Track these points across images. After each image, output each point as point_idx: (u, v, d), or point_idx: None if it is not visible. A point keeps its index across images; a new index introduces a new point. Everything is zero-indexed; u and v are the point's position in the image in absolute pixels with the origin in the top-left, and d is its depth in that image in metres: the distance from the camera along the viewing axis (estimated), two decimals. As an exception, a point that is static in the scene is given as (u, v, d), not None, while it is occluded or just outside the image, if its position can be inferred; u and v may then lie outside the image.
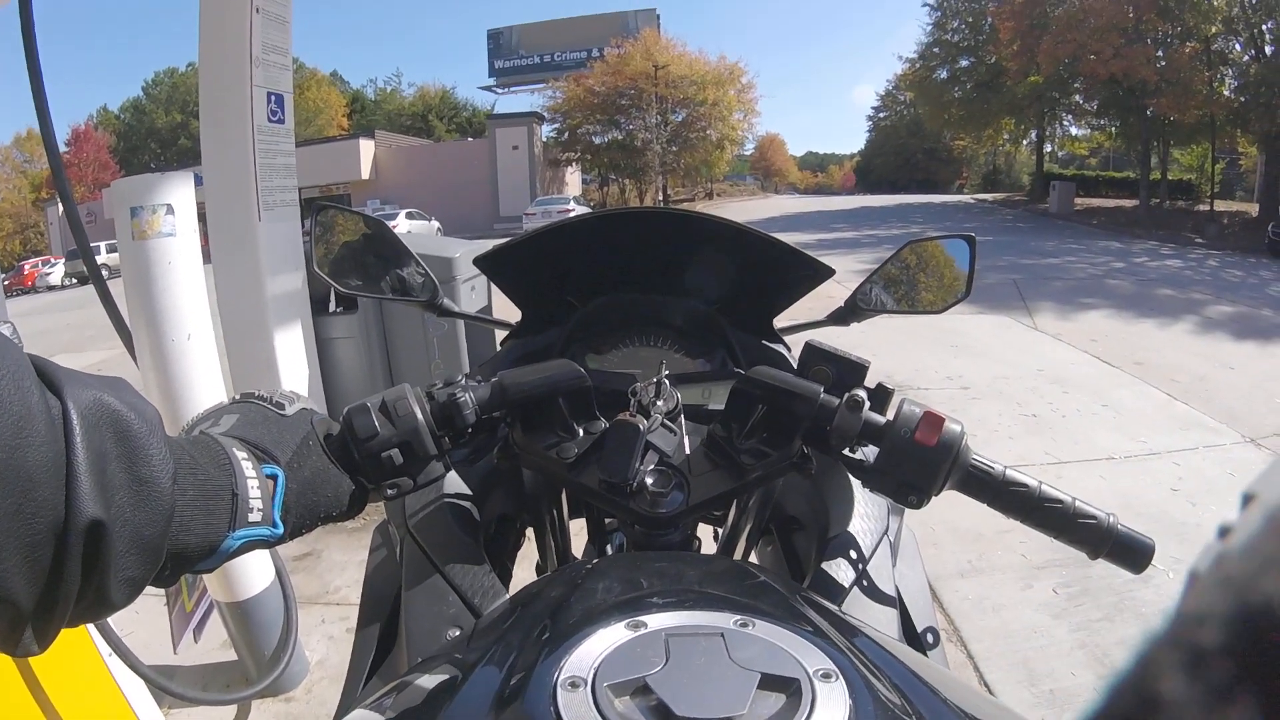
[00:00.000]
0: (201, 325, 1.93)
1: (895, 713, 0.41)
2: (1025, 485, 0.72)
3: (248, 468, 0.55)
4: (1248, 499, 0.20)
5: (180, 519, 0.48)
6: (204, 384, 1.94)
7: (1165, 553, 0.48)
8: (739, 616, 0.47)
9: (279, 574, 2.22)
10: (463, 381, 0.74)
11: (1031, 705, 2.16)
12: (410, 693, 0.49)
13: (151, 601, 2.71)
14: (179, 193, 1.83)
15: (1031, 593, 2.74)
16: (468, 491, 0.90)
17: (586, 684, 0.40)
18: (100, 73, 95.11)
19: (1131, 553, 0.70)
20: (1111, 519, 0.71)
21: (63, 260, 29.10)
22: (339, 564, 3.11)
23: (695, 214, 1.01)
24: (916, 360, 6.25)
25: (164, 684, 1.81)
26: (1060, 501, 0.71)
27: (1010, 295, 9.53)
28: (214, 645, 2.49)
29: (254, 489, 0.54)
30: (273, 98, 2.44)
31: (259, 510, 0.54)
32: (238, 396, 0.66)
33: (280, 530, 0.57)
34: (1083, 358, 6.37)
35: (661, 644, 0.44)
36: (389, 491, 0.67)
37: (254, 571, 2.16)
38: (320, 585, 2.97)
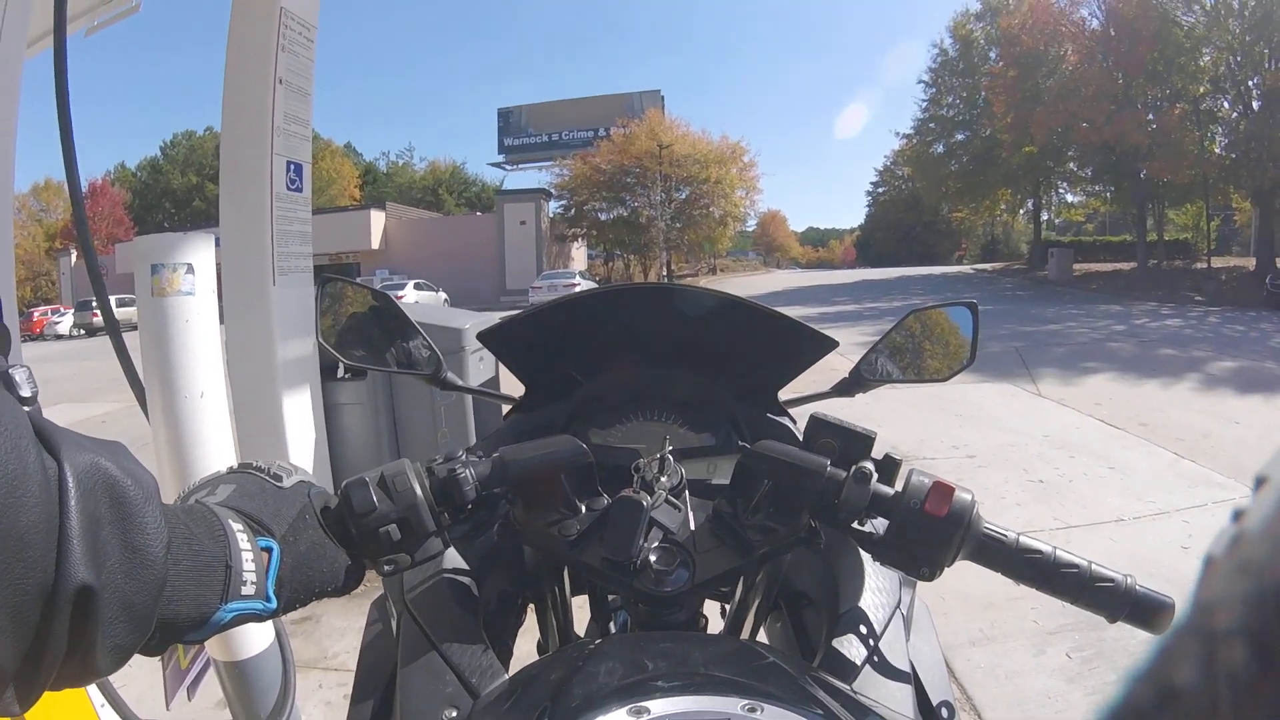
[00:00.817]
0: (215, 384, 1.96)
1: None
2: (1040, 552, 0.71)
3: (242, 540, 0.54)
4: (1260, 482, 0.21)
5: (172, 588, 0.47)
6: (215, 442, 1.95)
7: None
8: (747, 701, 0.46)
9: (279, 636, 2.19)
10: (463, 457, 0.73)
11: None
12: None
13: (145, 659, 2.68)
14: (200, 253, 1.88)
15: (1045, 658, 2.68)
16: (466, 567, 0.89)
17: None
18: (120, 130, 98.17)
19: (1152, 613, 0.68)
20: (1129, 580, 0.70)
21: (72, 310, 29.62)
22: (338, 629, 3.07)
23: (697, 289, 1.02)
24: (922, 430, 6.24)
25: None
26: (1076, 566, 0.70)
27: (1013, 363, 9.56)
28: (208, 704, 2.44)
29: (248, 561, 0.54)
30: (292, 166, 2.52)
31: (252, 583, 0.54)
32: (235, 466, 0.66)
33: (273, 605, 0.57)
34: (1087, 421, 6.36)
35: None
36: (386, 568, 0.67)
37: (253, 632, 2.13)
38: (318, 650, 2.93)
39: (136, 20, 2.64)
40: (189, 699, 2.15)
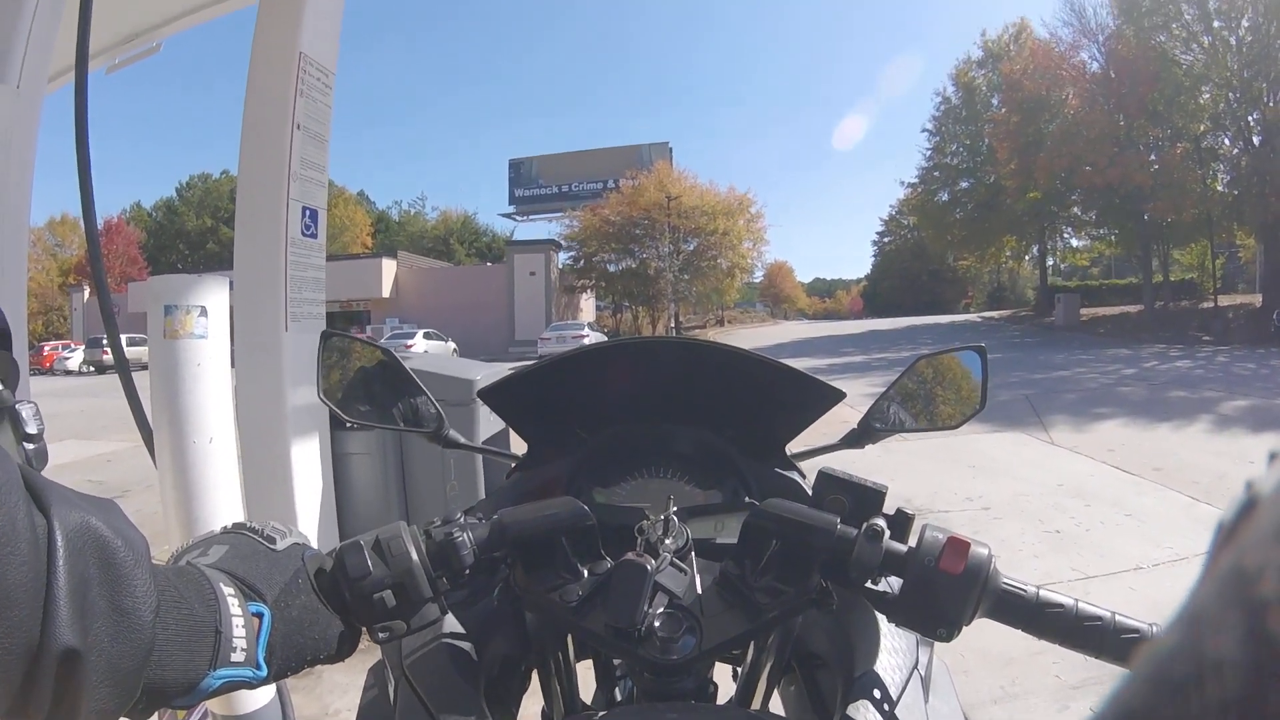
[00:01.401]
0: (224, 430, 1.95)
1: None
2: (1061, 605, 0.68)
3: (233, 604, 0.54)
4: (1274, 456, 0.20)
5: (160, 653, 0.46)
6: (221, 489, 1.94)
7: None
8: None
9: (279, 691, 2.15)
10: (461, 520, 0.72)
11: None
12: None
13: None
14: (214, 296, 1.90)
15: (1068, 715, 2.60)
16: (465, 632, 0.87)
17: None
18: (136, 169, 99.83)
19: None
20: (1154, 629, 0.67)
21: (82, 347, 29.88)
22: (340, 685, 3.00)
23: (702, 342, 1.00)
24: (935, 482, 6.16)
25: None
26: (1099, 618, 0.67)
27: (1024, 411, 9.48)
28: (208, 763, 2.37)
29: (238, 627, 0.53)
30: (307, 212, 2.55)
31: (242, 650, 0.53)
32: (230, 526, 0.65)
33: (263, 673, 0.56)
34: (1101, 468, 6.27)
35: None
36: (381, 635, 0.65)
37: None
38: (320, 707, 2.85)
39: (156, 60, 2.69)
40: (187, 753, 2.10)
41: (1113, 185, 24.89)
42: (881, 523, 0.70)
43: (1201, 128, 24.21)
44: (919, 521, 0.72)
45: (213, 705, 2.11)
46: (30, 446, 1.35)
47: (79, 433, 10.19)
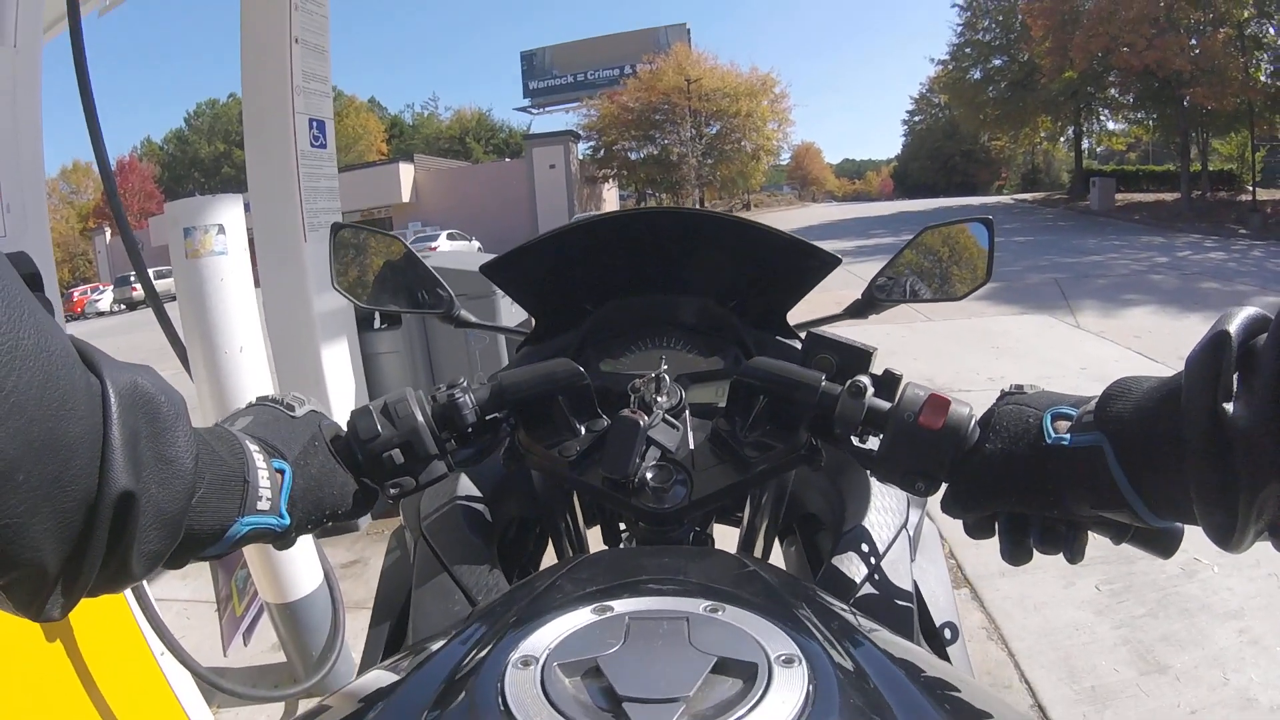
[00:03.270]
0: (252, 338, 2.03)
1: (862, 699, 0.39)
2: None
3: (258, 458, 0.58)
4: None
5: (198, 499, 0.50)
6: (256, 393, 2.03)
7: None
8: (709, 602, 0.46)
9: (327, 576, 2.30)
10: (464, 383, 0.75)
11: (1073, 702, 2.14)
12: (385, 674, 0.49)
13: (202, 608, 2.81)
14: (229, 213, 1.94)
15: (1074, 590, 2.70)
16: (480, 495, 0.91)
17: (538, 663, 0.40)
18: (142, 104, 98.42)
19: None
20: None
21: (110, 287, 30.15)
22: (386, 572, 3.20)
23: (699, 211, 1.00)
24: (958, 363, 6.20)
25: (215, 680, 1.89)
26: None
27: (1053, 294, 9.38)
28: (263, 649, 2.58)
29: (264, 479, 0.57)
30: (314, 124, 2.55)
31: (268, 499, 0.57)
32: (254, 400, 0.69)
33: (287, 521, 0.60)
34: (1126, 354, 6.26)
35: (622, 627, 0.43)
36: (391, 491, 0.69)
37: (303, 574, 2.25)
38: (366, 591, 3.05)
39: None
40: (244, 644, 2.28)
41: (1150, 69, 23.51)
42: (865, 380, 0.70)
43: (1245, 14, 22.52)
44: (905, 382, 0.72)
45: (266, 595, 2.28)
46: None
47: None
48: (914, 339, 6.82)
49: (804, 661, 0.39)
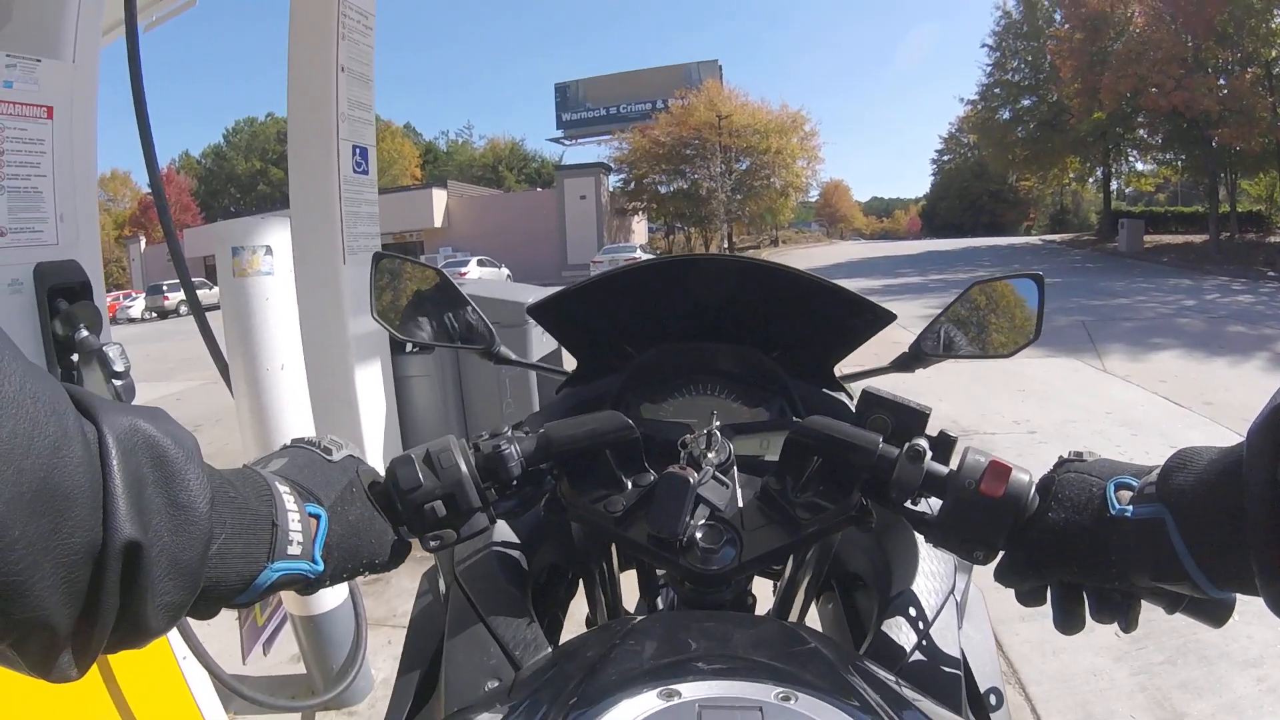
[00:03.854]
0: (293, 357, 2.09)
1: None
2: None
3: (289, 501, 0.55)
4: None
5: (219, 547, 0.48)
6: (294, 411, 2.09)
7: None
8: (781, 689, 0.44)
9: (352, 592, 2.34)
10: (509, 433, 0.73)
11: (1090, 747, 2.13)
12: None
13: (223, 615, 2.87)
14: (277, 235, 2.02)
15: (1093, 636, 2.67)
16: (517, 540, 0.89)
17: None
18: (184, 117, 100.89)
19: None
20: None
21: (143, 295, 30.56)
22: (407, 590, 3.23)
23: (751, 260, 0.98)
24: (983, 405, 6.17)
25: (236, 686, 1.92)
26: None
27: (1079, 337, 9.32)
28: (282, 659, 2.62)
29: (295, 522, 0.54)
30: (357, 150, 2.65)
31: (299, 544, 0.54)
32: (289, 443, 0.66)
33: (320, 567, 0.57)
34: (1152, 399, 6.20)
35: (694, 716, 0.42)
36: (432, 544, 0.67)
37: (329, 588, 2.27)
38: (388, 609, 3.10)
39: (193, 11, 2.75)
40: (264, 654, 2.31)
41: (1179, 109, 23.37)
42: (923, 443, 0.69)
43: (1273, 54, 22.37)
44: (962, 444, 0.71)
45: (291, 607, 2.32)
46: (118, 383, 1.50)
47: (149, 375, 10.59)
48: (940, 380, 6.79)
49: None
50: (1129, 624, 0.63)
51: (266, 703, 2.12)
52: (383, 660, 2.69)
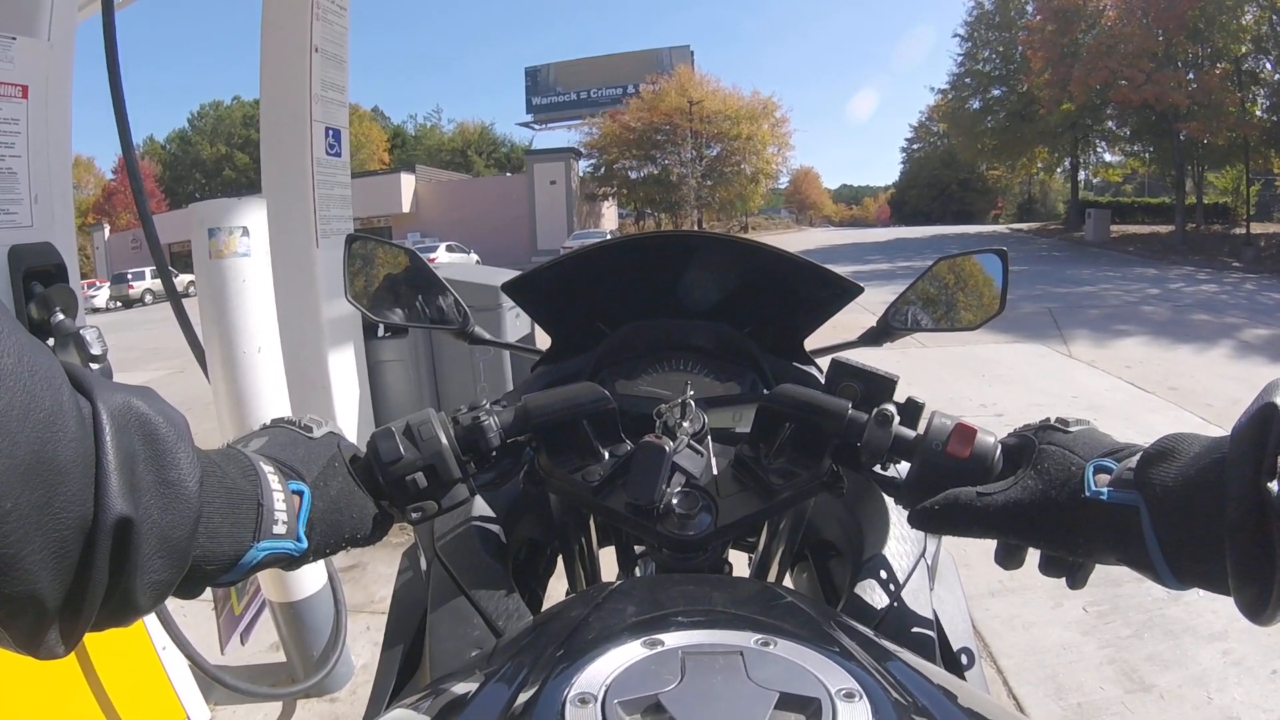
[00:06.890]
0: (270, 340, 2.07)
1: None
2: None
3: (273, 480, 0.55)
4: None
5: (206, 525, 0.48)
6: (271, 394, 2.07)
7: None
8: (761, 636, 0.45)
9: (331, 578, 2.33)
10: (487, 406, 0.74)
11: (1059, 718, 2.19)
12: (423, 709, 0.48)
13: (198, 605, 2.83)
14: (253, 216, 1.99)
15: (1062, 611, 2.76)
16: (495, 516, 0.89)
17: (596, 700, 0.39)
18: (148, 101, 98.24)
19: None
20: None
21: (108, 284, 29.74)
22: (384, 576, 3.23)
23: (722, 236, 1.00)
24: (951, 389, 6.27)
25: (217, 675, 1.91)
26: None
27: (1045, 324, 9.49)
28: (261, 648, 2.61)
29: (279, 501, 0.55)
30: (330, 132, 2.61)
31: (284, 523, 0.55)
32: (269, 422, 0.67)
33: (304, 545, 0.57)
34: (1117, 384, 6.34)
35: (677, 662, 0.42)
36: (413, 515, 0.67)
37: (307, 574, 2.27)
38: (365, 595, 3.09)
39: None
40: (242, 644, 2.30)
41: (1148, 102, 23.78)
42: (891, 408, 0.70)
43: (1243, 50, 22.80)
44: (929, 410, 0.72)
45: (270, 594, 2.31)
46: (96, 366, 1.48)
47: (116, 365, 10.37)
48: (908, 364, 6.90)
49: (864, 696, 0.39)
50: (1076, 583, 0.64)
51: (247, 691, 2.10)
52: (362, 646, 2.68)
